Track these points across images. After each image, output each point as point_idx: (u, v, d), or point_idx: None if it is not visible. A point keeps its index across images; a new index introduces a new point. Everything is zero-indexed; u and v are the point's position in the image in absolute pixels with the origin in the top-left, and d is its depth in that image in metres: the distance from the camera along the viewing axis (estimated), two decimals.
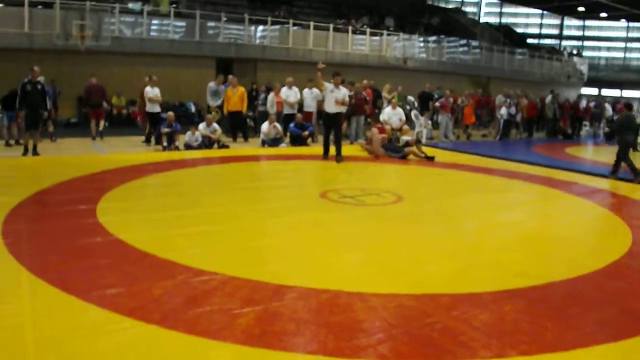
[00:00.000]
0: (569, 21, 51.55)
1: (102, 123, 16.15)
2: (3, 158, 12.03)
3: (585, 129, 25.30)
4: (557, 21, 51.80)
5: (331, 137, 13.23)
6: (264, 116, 17.19)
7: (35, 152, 12.49)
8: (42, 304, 4.34)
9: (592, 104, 24.96)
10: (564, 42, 51.10)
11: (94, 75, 16.47)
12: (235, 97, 16.29)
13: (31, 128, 12.55)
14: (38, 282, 4.76)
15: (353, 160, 12.64)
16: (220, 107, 16.68)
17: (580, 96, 26.66)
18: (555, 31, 52.29)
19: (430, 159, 13.66)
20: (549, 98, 23.17)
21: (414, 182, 11.04)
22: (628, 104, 13.46)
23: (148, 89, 14.95)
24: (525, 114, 22.18)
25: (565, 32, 52.23)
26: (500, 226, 7.76)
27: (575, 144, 21.09)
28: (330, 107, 13.02)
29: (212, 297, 4.54)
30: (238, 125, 16.83)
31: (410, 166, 12.91)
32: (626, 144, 12.17)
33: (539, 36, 51.01)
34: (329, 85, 12.98)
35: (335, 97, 12.88)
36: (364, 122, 17.23)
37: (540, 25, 51.73)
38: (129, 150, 14.01)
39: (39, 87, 12.63)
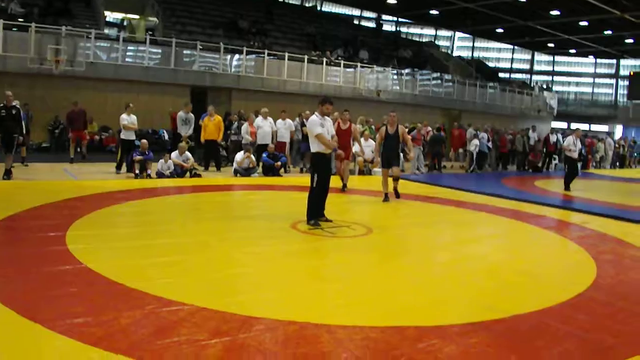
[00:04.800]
0: (540, 56, 52.61)
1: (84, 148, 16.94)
2: None
3: (555, 162, 25.72)
4: (527, 56, 52.83)
5: None
6: (236, 145, 17.25)
7: (7, 176, 12.41)
8: (6, 332, 4.31)
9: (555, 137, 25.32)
10: (535, 77, 52.13)
11: (77, 103, 16.88)
12: (212, 125, 16.33)
13: (5, 152, 12.50)
14: (3, 309, 4.71)
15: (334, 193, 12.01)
16: (191, 136, 16.70)
17: (552, 130, 27.17)
18: (526, 66, 53.29)
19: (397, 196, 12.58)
20: (531, 133, 23.72)
21: (385, 215, 11.12)
22: (438, 127, 21.38)
23: (124, 116, 14.96)
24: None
25: (536, 67, 53.26)
26: (468, 259, 7.84)
27: (545, 177, 21.43)
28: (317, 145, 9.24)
29: (180, 327, 4.53)
30: (213, 154, 16.85)
31: (381, 198, 12.99)
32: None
33: (510, 70, 51.92)
34: (314, 118, 9.29)
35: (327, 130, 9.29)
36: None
37: (512, 60, 52.69)
38: (101, 177, 13.95)
39: (14, 112, 12.68)
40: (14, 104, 12.87)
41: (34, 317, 4.56)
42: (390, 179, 12.48)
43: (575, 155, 17.01)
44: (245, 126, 17.11)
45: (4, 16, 20.76)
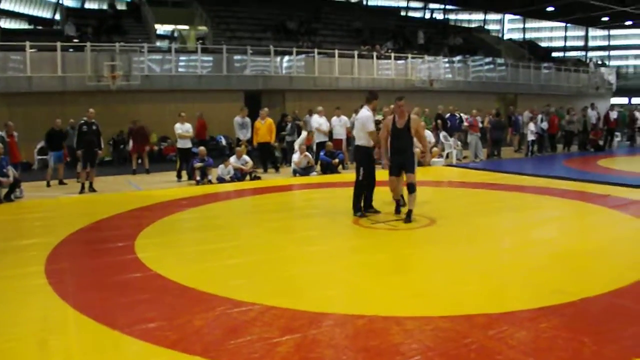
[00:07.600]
0: (594, 32, 51.16)
1: (146, 160, 17.26)
2: (43, 199, 12.36)
3: (617, 140, 25.01)
4: (581, 33, 51.47)
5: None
6: (292, 146, 17.40)
7: (92, 189, 13.19)
8: (88, 340, 4.51)
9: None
10: (590, 53, 50.72)
11: (136, 121, 17.68)
12: (264, 128, 16.50)
13: (88, 166, 13.28)
14: (83, 318, 4.92)
15: (383, 185, 10.92)
16: (249, 139, 16.91)
17: (612, 106, 26.34)
18: (581, 43, 51.94)
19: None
20: (590, 111, 23.10)
21: (446, 204, 11.01)
22: (497, 112, 21.00)
23: (178, 125, 15.31)
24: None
25: (591, 43, 51.84)
26: (534, 244, 7.73)
27: (608, 155, 20.85)
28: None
29: (251, 327, 4.63)
30: (267, 156, 17.04)
31: (442, 188, 12.92)
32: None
33: (564, 49, 50.70)
34: (369, 114, 9.45)
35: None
36: None
37: (565, 38, 51.43)
38: (163, 186, 14.27)
39: (94, 127, 13.41)
40: (93, 120, 13.51)
41: (111, 323, 4.74)
42: (403, 187, 9.69)
43: None
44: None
45: (60, 38, 21.45)
